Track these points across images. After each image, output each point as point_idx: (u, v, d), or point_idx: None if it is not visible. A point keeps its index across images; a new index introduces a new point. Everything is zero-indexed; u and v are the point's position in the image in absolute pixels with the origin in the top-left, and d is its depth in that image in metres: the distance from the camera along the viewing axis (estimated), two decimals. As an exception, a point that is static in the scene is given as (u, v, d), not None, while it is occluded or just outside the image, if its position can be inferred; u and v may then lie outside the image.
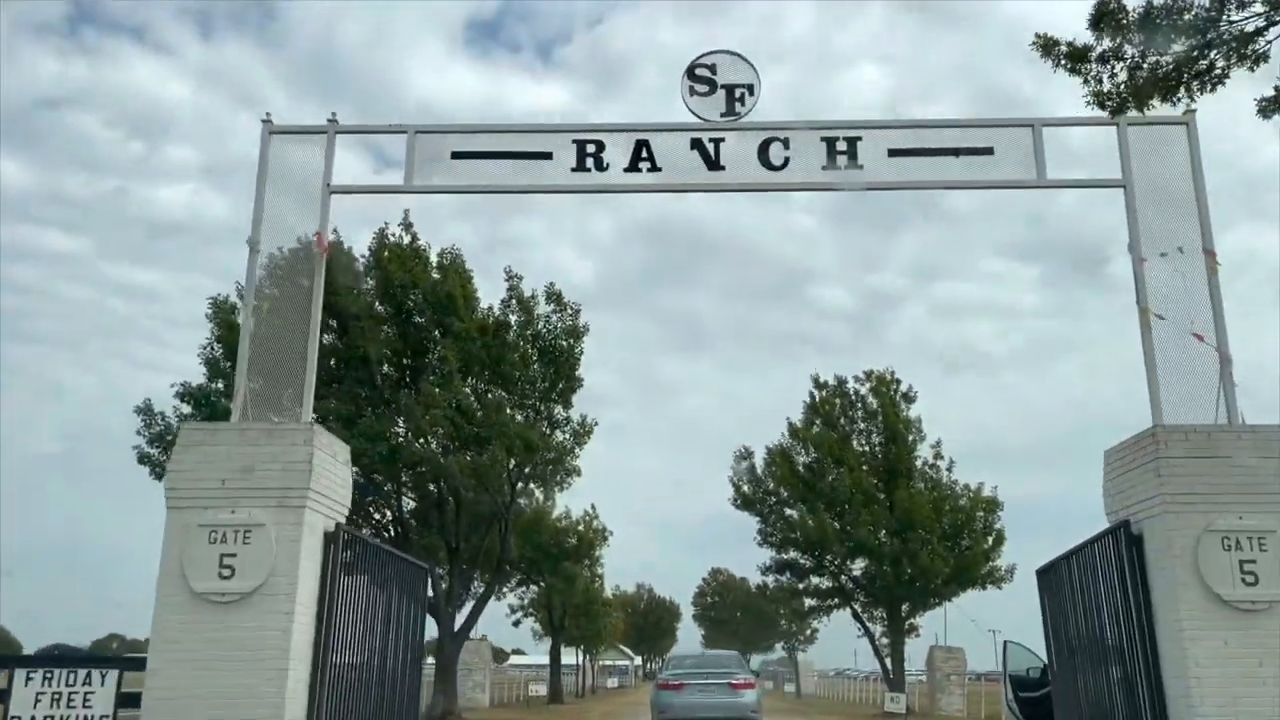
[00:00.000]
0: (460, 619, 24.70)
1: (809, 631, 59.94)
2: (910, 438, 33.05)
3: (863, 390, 34.27)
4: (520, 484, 26.10)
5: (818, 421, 33.77)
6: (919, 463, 32.98)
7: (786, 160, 10.02)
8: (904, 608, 33.10)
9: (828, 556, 34.18)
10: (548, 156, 10.25)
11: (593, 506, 40.59)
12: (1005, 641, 14.19)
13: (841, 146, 10.06)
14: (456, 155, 10.25)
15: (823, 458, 32.74)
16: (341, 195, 10.05)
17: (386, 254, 21.64)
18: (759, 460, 34.99)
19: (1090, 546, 8.80)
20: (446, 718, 22.80)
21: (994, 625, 45.53)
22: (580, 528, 39.96)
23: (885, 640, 33.73)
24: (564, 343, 22.65)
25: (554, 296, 22.60)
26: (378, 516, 23.55)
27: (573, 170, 10.09)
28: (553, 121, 10.37)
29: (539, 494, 38.49)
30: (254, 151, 9.61)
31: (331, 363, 20.32)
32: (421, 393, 19.53)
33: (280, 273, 9.30)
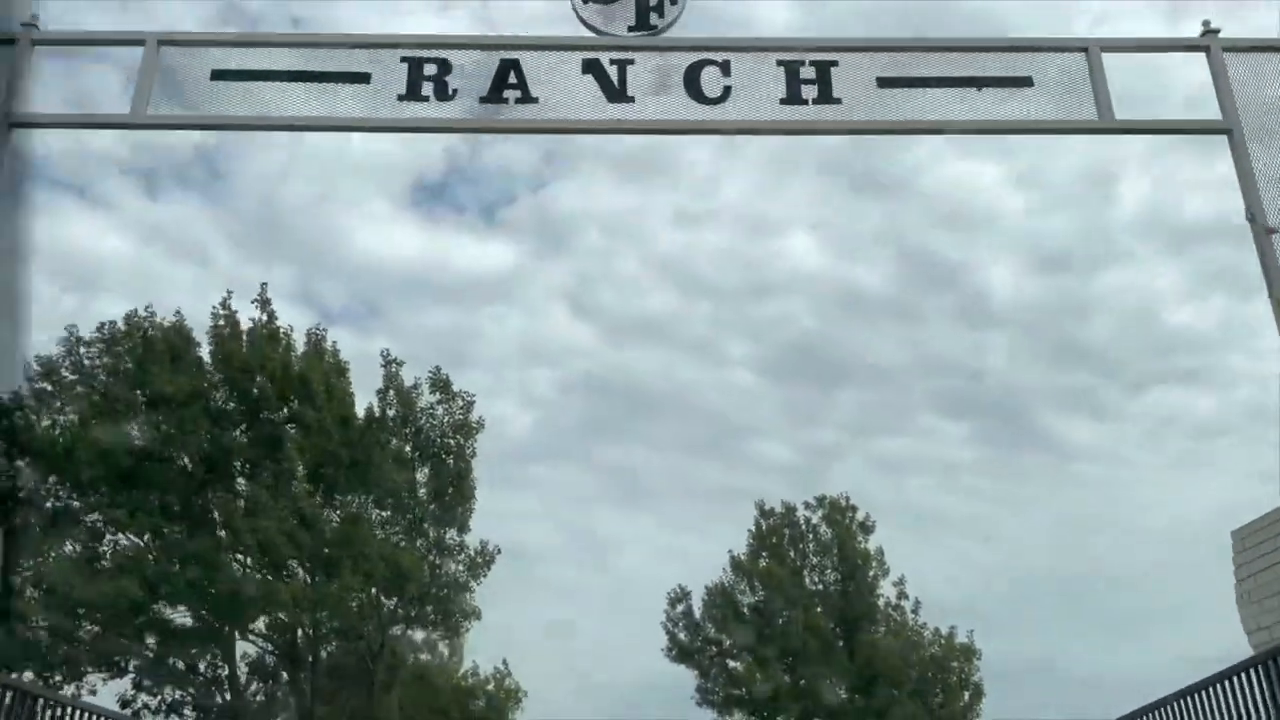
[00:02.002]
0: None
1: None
2: (871, 572, 28.90)
3: (814, 519, 30.25)
4: (399, 628, 21.21)
5: (764, 555, 29.50)
6: (881, 602, 28.75)
7: (726, 91, 6.56)
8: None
9: (779, 718, 29.23)
10: (363, 79, 6.68)
11: (504, 662, 35.01)
12: None
13: (808, 74, 6.60)
14: (219, 76, 6.74)
15: (771, 596, 28.29)
16: (30, 130, 6.67)
17: (228, 332, 17.55)
18: (697, 602, 30.38)
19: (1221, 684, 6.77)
20: None
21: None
22: (489, 687, 34.24)
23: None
24: (452, 440, 18.51)
25: (440, 384, 18.55)
26: (203, 667, 18.47)
27: (401, 99, 6.49)
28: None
29: (436, 643, 33.19)
30: None
31: (142, 462, 15.86)
32: (247, 499, 15.11)
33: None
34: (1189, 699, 7.85)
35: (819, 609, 27.70)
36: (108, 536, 15.27)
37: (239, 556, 14.80)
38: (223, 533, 14.97)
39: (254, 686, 19.32)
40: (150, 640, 17.53)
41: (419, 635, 22.55)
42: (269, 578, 15.40)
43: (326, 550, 15.66)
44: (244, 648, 20.24)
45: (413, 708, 31.50)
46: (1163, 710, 8.42)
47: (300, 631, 19.44)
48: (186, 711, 18.53)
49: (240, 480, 15.85)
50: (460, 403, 18.55)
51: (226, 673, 18.29)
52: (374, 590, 17.76)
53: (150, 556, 15.06)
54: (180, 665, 17.96)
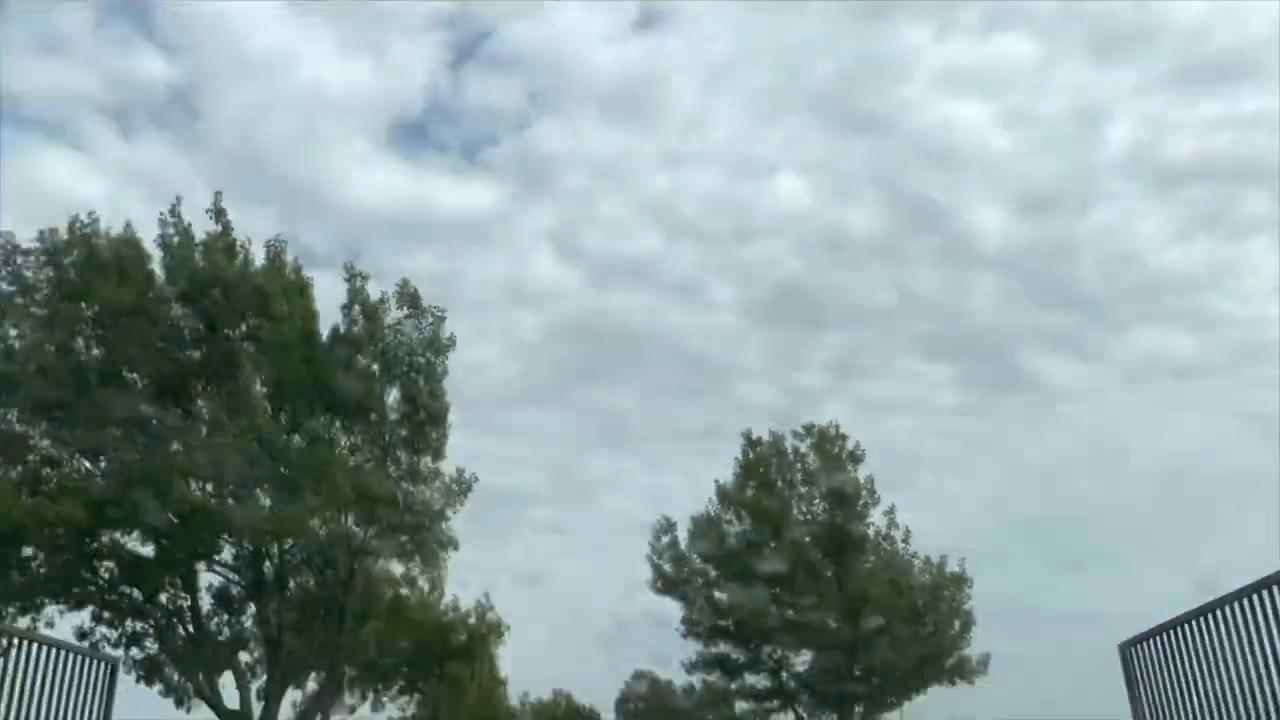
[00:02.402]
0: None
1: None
2: (860, 501, 28.23)
3: (803, 448, 29.48)
4: (371, 558, 20.34)
5: (752, 484, 28.76)
6: (871, 532, 28.12)
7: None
8: (858, 709, 27.77)
9: (766, 648, 28.79)
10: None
11: (486, 596, 34.41)
12: None
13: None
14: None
15: (759, 526, 27.63)
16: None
17: (178, 240, 16.36)
18: (683, 534, 29.72)
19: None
20: None
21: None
22: (471, 621, 33.67)
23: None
24: (421, 358, 17.47)
25: (408, 298, 17.44)
26: (164, 599, 17.60)
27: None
28: None
29: (415, 577, 32.50)
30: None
31: (88, 380, 14.77)
32: (201, 418, 14.06)
33: None
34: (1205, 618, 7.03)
35: (807, 538, 27.03)
36: (51, 458, 14.21)
37: (192, 479, 13.78)
38: (175, 454, 13.94)
39: (218, 619, 18.49)
40: (106, 570, 16.65)
41: (395, 566, 21.73)
42: (229, 501, 14.40)
43: (286, 472, 14.68)
44: (210, 579, 19.43)
45: (390, 641, 30.91)
46: (1177, 630, 7.65)
47: (268, 563, 18.59)
48: (148, 643, 17.73)
49: (194, 400, 14.79)
50: (430, 319, 17.46)
51: (189, 604, 17.43)
52: (342, 516, 16.86)
53: (98, 479, 14.05)
54: (138, 596, 17.08)
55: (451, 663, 32.06)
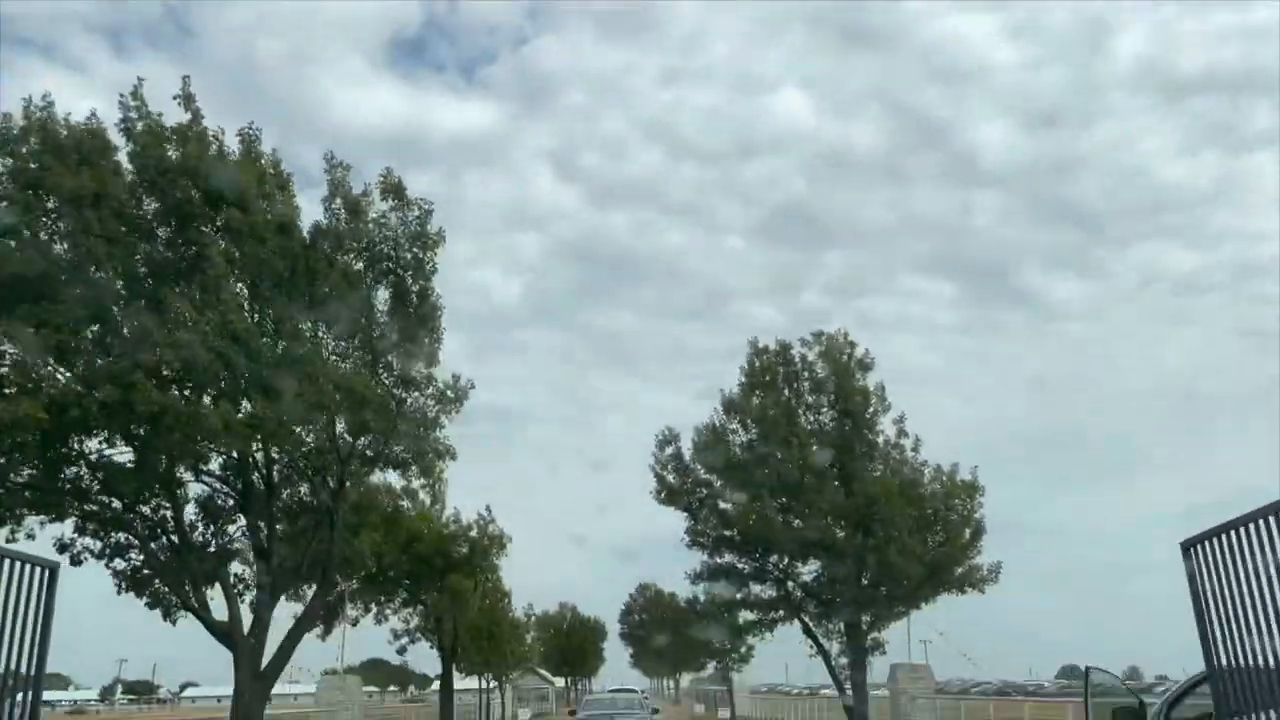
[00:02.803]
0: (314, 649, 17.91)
1: (744, 649, 53.88)
2: (870, 409, 27.40)
3: (810, 356, 28.54)
4: (365, 466, 19.55)
5: (758, 393, 27.89)
6: (880, 440, 27.36)
7: None
8: (865, 619, 27.40)
9: (772, 558, 28.32)
10: None
11: (488, 509, 33.99)
12: (1088, 668, 8.90)
13: None
14: None
15: (765, 434, 26.84)
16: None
17: (143, 126, 15.12)
18: (686, 444, 28.99)
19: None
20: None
21: (958, 638, 39.89)
22: (472, 533, 33.30)
23: (843, 659, 27.95)
24: (409, 254, 16.37)
25: (393, 189, 16.23)
26: (147, 510, 16.83)
27: None
28: None
29: (416, 491, 31.94)
30: None
31: (48, 274, 13.69)
32: (170, 314, 12.99)
33: None
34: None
35: (815, 447, 26.23)
36: (9, 355, 13.23)
37: (161, 378, 12.80)
38: (142, 352, 12.95)
39: (205, 529, 17.79)
40: (82, 479, 15.84)
41: (393, 478, 21.02)
42: (207, 401, 13.42)
43: (264, 372, 13.71)
44: (199, 490, 18.70)
45: (389, 553, 30.47)
46: (1242, 529, 6.79)
47: (257, 473, 17.82)
48: (132, 555, 17.04)
49: (163, 296, 13.73)
50: (417, 211, 16.28)
51: (171, 514, 16.67)
52: (328, 419, 15.97)
53: (60, 380, 13.09)
54: (118, 506, 16.30)
55: (453, 575, 31.76)
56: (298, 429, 14.89)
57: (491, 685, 49.84)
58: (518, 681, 71.31)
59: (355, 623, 35.35)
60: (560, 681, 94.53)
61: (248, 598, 18.39)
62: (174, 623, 17.17)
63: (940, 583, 25.90)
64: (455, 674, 46.14)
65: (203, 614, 16.65)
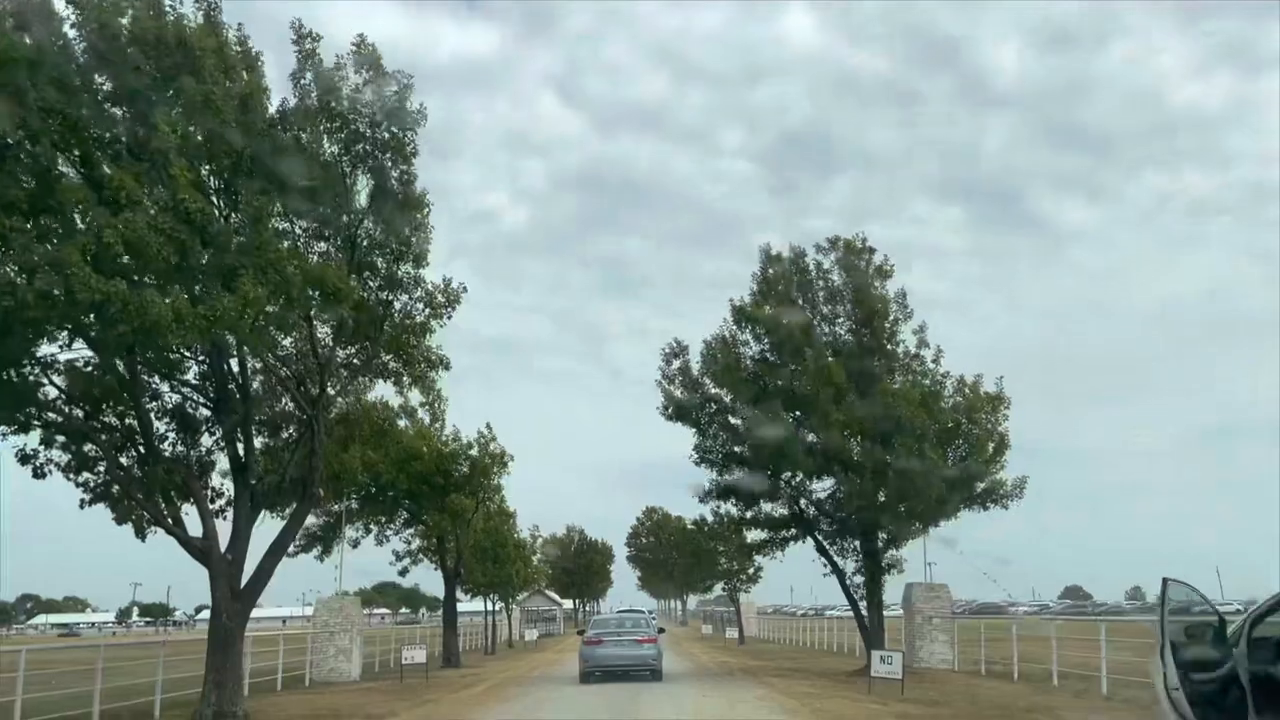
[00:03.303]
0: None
1: (752, 570, 53.29)
2: (890, 317, 25.86)
3: (826, 263, 26.89)
4: (350, 375, 18.16)
5: (771, 302, 26.30)
6: (900, 350, 25.86)
7: None
8: (882, 536, 26.29)
9: (784, 474, 27.07)
10: None
11: (488, 426, 32.78)
12: (1165, 579, 7.89)
13: None
14: None
15: (779, 345, 25.35)
16: None
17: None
18: (695, 358, 27.56)
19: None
20: (221, 720, 15.02)
21: (975, 557, 38.92)
22: (473, 452, 32.14)
23: (858, 578, 26.90)
24: (388, 134, 14.69)
25: (368, 61, 14.45)
26: (113, 419, 15.49)
27: None
28: None
29: (414, 407, 30.61)
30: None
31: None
32: (112, 189, 11.39)
33: None
34: None
35: (831, 358, 24.73)
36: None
37: (103, 264, 11.23)
38: (83, 236, 11.39)
39: (177, 440, 16.47)
40: (40, 385, 14.47)
41: (387, 392, 19.67)
42: (157, 286, 11.82)
43: (222, 259, 12.17)
44: (173, 402, 17.34)
45: (386, 471, 29.31)
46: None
47: (233, 382, 16.44)
48: (99, 468, 15.75)
49: (107, 175, 12.13)
50: (395, 85, 14.52)
51: (139, 424, 15.32)
52: (307, 320, 14.54)
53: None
54: (79, 414, 14.95)
55: (453, 494, 30.66)
56: (267, 326, 13.36)
57: (498, 607, 49.37)
58: (525, 603, 71.32)
59: (356, 544, 34.53)
60: (568, 603, 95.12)
61: (230, 515, 17.14)
62: (144, 539, 15.99)
63: (962, 498, 24.66)
64: (463, 596, 45.65)
65: (176, 530, 15.42)
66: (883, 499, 24.15)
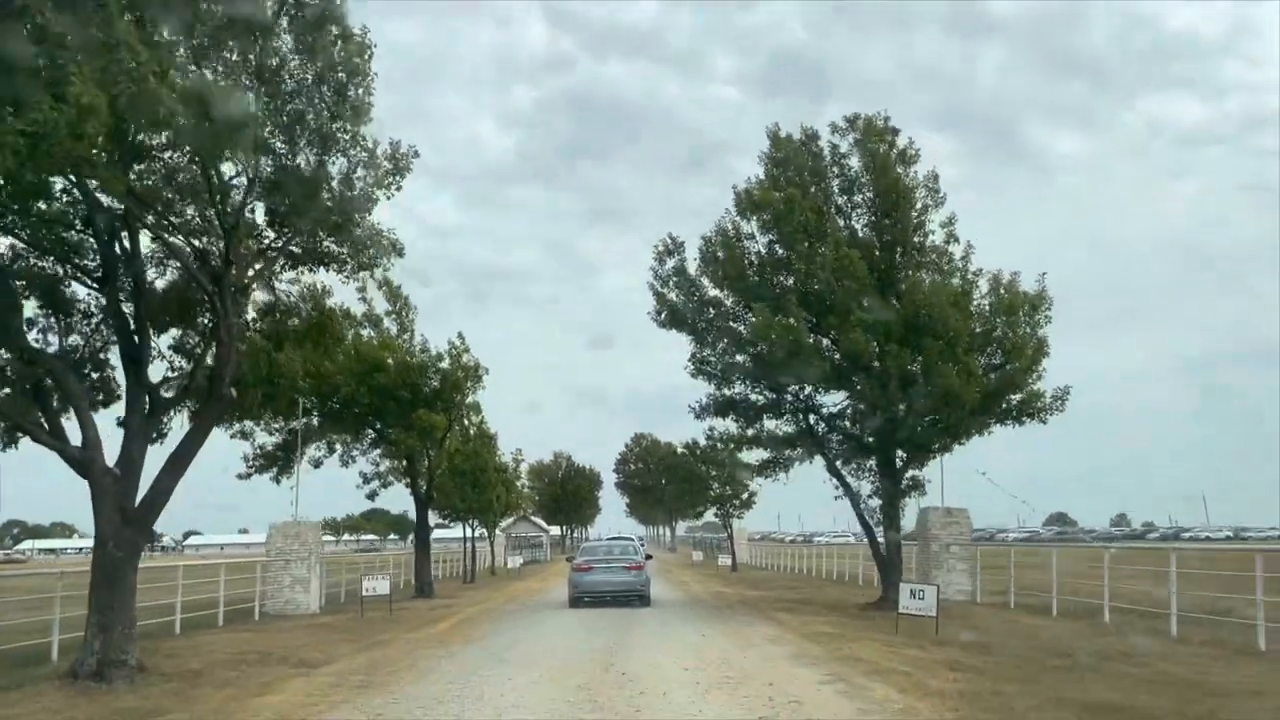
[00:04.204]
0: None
1: (745, 495, 50.62)
2: (916, 205, 22.41)
3: (843, 146, 23.29)
4: (278, 258, 14.67)
5: (780, 190, 22.75)
6: (929, 243, 22.48)
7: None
8: (899, 455, 23.22)
9: (791, 387, 23.87)
10: None
11: (460, 336, 29.36)
12: None
13: None
14: None
15: (790, 236, 21.91)
16: None
17: None
18: (692, 257, 24.10)
19: None
20: (107, 670, 11.88)
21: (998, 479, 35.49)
22: (443, 364, 28.80)
23: (873, 501, 23.90)
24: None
25: None
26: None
27: None
28: None
29: (369, 297, 27.20)
30: None
31: None
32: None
33: None
34: None
35: (848, 252, 21.27)
36: None
37: None
38: None
39: (46, 328, 13.07)
40: None
41: (343, 293, 16.16)
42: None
43: (56, 61, 8.58)
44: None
45: (346, 384, 25.97)
46: None
47: (118, 248, 12.95)
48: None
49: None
50: None
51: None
52: (204, 175, 11.08)
53: None
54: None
55: (422, 410, 27.40)
56: (123, 157, 9.88)
57: (480, 534, 46.57)
58: (511, 530, 68.78)
59: (318, 464, 31.34)
60: (555, 530, 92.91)
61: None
62: (5, 447, 12.72)
63: (994, 412, 21.55)
64: (444, 523, 42.79)
65: (45, 437, 12.11)
66: (905, 410, 20.96)
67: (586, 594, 23.74)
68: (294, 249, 14.87)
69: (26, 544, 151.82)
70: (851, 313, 19.89)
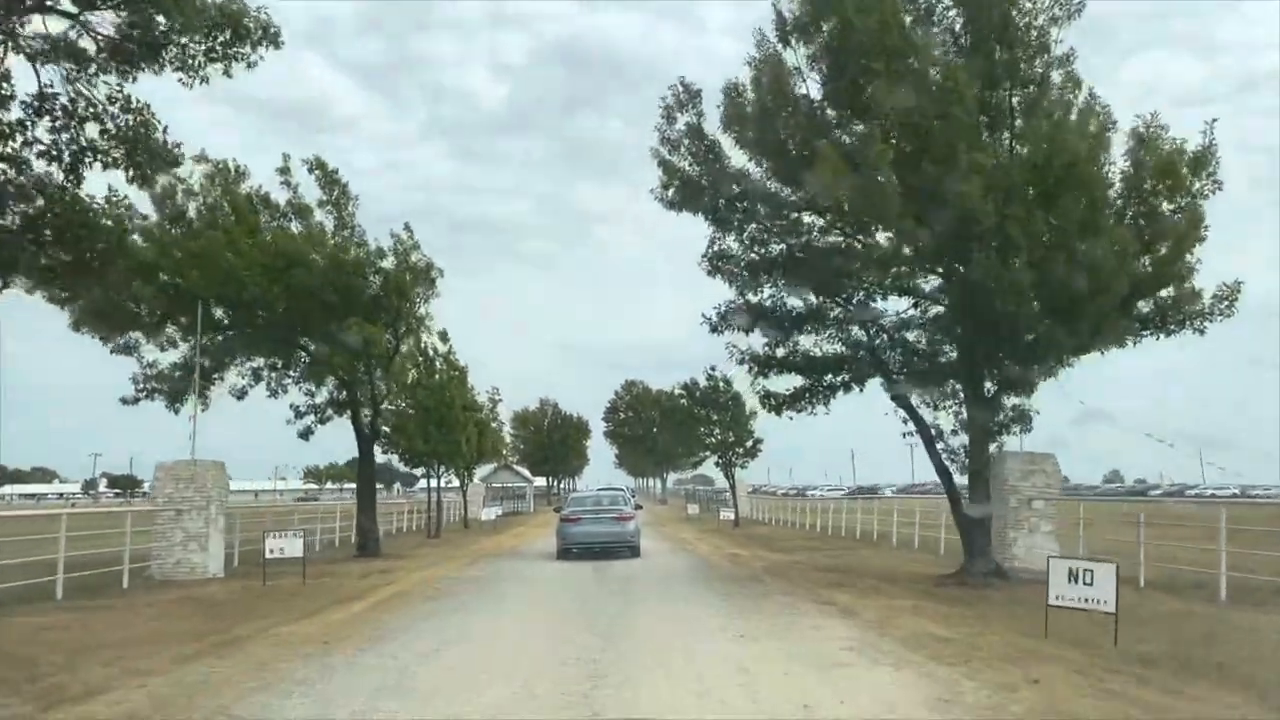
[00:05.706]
0: None
1: (750, 443, 44.29)
2: (1038, 19, 15.79)
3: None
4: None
5: (839, 12, 16.09)
6: (1055, 75, 15.89)
7: None
8: (989, 386, 16.84)
9: (847, 282, 17.36)
10: None
11: (408, 228, 22.58)
12: None
13: None
14: None
15: (856, 73, 15.28)
16: None
17: None
18: (712, 111, 17.50)
19: None
20: None
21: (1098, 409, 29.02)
22: (386, 263, 22.14)
23: (955, 439, 17.55)
24: None
25: None
26: None
27: None
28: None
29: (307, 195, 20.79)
30: None
31: None
32: None
33: None
34: None
35: (937, 92, 14.65)
36: None
37: None
38: None
39: None
40: None
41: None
42: None
43: None
44: None
45: (253, 281, 19.44)
46: None
47: None
48: None
49: None
50: None
51: None
52: None
53: None
54: None
55: (356, 320, 20.83)
56: None
57: (447, 481, 40.20)
58: (491, 479, 62.54)
59: (242, 394, 24.74)
60: (540, 481, 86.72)
61: None
62: None
63: (1134, 313, 15.15)
64: (428, 473, 36.57)
65: None
66: (999, 312, 14.46)
67: (575, 545, 23.04)
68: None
69: (5, 489, 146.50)
70: (958, 158, 13.30)
